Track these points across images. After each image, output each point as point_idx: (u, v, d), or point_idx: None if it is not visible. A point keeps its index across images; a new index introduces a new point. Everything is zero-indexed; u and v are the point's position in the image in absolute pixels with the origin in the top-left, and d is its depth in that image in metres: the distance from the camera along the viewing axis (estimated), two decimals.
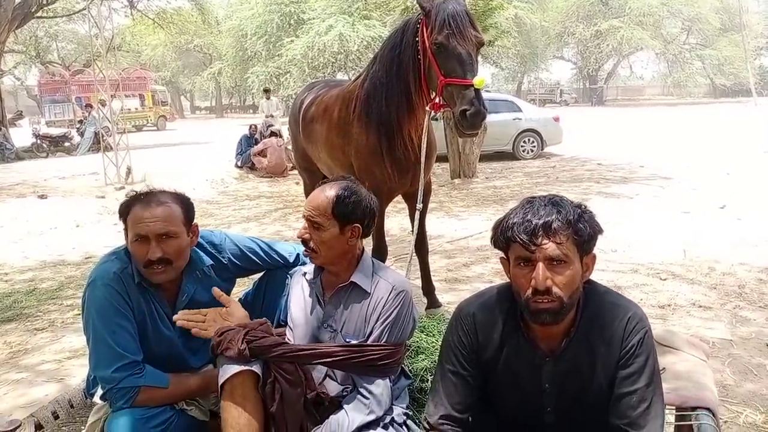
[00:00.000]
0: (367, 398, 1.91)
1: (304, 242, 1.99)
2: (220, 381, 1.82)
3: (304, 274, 2.15)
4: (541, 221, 1.50)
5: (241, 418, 1.78)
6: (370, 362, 1.91)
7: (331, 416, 1.90)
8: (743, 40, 37.18)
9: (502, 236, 1.57)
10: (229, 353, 1.82)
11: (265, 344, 1.86)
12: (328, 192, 1.98)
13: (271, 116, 15.16)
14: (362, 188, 2.05)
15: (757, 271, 4.94)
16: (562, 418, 1.66)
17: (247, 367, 1.81)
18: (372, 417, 1.89)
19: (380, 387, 1.93)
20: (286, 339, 2.06)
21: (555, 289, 1.49)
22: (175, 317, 2.01)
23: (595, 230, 1.57)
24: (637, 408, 1.54)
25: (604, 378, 1.60)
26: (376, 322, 1.96)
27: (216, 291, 2.09)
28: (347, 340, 1.99)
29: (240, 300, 2.49)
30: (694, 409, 1.91)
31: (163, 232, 1.97)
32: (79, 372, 3.48)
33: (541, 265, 1.49)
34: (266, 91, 16.78)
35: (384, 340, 1.95)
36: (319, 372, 2.05)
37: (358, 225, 2.00)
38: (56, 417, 2.23)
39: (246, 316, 2.06)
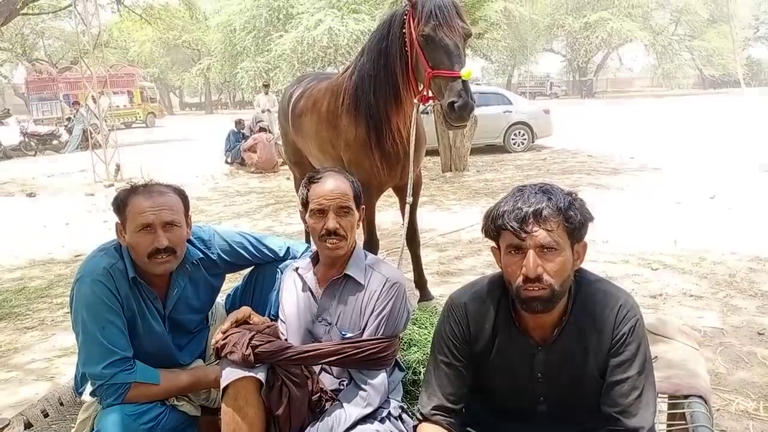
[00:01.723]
0: (364, 391, 1.90)
1: (331, 233, 1.96)
2: (223, 384, 1.79)
3: (296, 268, 2.14)
4: (531, 209, 1.49)
5: (242, 423, 1.76)
6: (370, 356, 1.91)
7: (328, 411, 1.88)
8: (731, 31, 37.33)
9: (493, 224, 1.56)
10: (233, 357, 1.78)
11: (270, 350, 1.81)
12: (342, 178, 2.04)
13: (268, 111, 14.89)
14: None
15: (748, 260, 4.97)
16: (555, 406, 1.65)
17: (251, 374, 1.77)
18: (369, 410, 1.88)
19: (377, 379, 1.92)
20: (280, 333, 2.04)
21: (546, 277, 1.48)
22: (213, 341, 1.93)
23: (586, 218, 1.56)
24: (628, 396, 1.54)
25: (596, 367, 1.59)
26: (371, 315, 1.96)
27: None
28: (342, 333, 1.98)
29: (229, 296, 2.48)
30: (686, 397, 1.91)
31: (170, 220, 1.98)
32: (69, 370, 3.45)
33: (531, 252, 1.48)
34: (265, 86, 16.43)
35: (380, 332, 1.94)
36: (314, 367, 2.03)
37: (364, 206, 2.10)
38: (46, 415, 2.21)
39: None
